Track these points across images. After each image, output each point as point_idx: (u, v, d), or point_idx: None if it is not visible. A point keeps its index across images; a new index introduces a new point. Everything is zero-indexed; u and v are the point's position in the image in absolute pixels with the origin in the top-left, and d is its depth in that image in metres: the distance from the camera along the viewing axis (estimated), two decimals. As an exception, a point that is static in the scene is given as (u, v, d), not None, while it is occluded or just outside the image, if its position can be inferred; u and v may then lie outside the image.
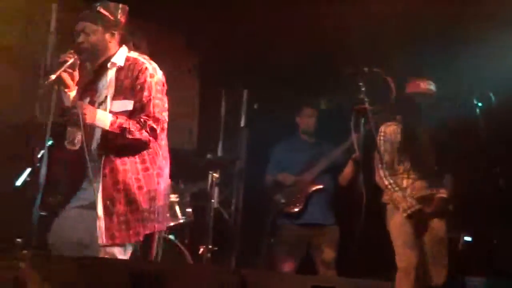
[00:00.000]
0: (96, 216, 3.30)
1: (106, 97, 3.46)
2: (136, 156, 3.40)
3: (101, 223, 3.29)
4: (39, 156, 4.38)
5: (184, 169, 5.65)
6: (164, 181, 3.53)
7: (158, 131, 3.41)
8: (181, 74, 7.62)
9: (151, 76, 3.44)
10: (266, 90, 7.43)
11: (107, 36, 3.48)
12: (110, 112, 3.39)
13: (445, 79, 4.98)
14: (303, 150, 5.74)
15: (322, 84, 6.68)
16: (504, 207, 5.00)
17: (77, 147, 3.50)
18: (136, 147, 3.40)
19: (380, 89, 3.92)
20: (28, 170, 4.72)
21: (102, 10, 3.47)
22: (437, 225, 4.69)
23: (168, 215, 4.09)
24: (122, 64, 3.48)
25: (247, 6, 6.35)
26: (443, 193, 4.70)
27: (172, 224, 5.15)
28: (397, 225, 4.63)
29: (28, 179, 4.68)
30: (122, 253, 3.32)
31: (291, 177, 5.63)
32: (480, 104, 4.66)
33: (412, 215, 4.54)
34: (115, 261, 3.16)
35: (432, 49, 5.84)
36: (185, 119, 7.56)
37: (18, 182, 5.02)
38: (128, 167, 3.37)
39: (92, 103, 3.46)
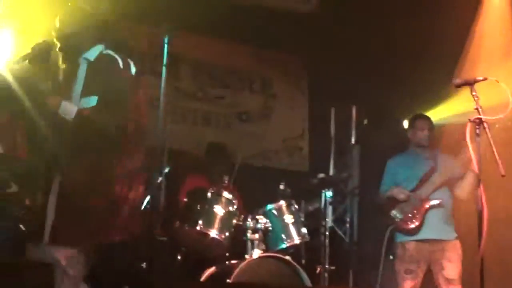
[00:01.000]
0: None
1: None
2: None
3: None
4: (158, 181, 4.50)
5: (297, 190, 5.67)
6: None
7: None
8: (294, 96, 7.72)
9: None
10: (375, 105, 7.36)
11: None
12: None
13: None
14: (417, 165, 5.58)
15: (433, 96, 6.53)
16: None
17: None
18: None
19: (495, 99, 3.76)
20: (148, 197, 4.85)
21: None
22: None
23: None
24: None
25: (356, 24, 6.40)
26: None
27: (288, 245, 5.13)
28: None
29: (148, 206, 4.82)
30: None
31: (406, 192, 5.49)
32: None
33: None
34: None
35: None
36: (296, 140, 7.61)
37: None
38: None
39: None
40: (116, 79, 3.56)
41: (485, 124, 3.62)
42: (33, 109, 3.52)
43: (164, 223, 5.17)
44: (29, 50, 3.54)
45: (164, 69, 4.10)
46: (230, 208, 5.14)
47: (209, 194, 5.13)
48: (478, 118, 3.63)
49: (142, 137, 3.56)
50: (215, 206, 5.08)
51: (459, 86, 3.79)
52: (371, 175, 6.35)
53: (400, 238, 5.53)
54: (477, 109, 3.66)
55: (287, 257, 4.87)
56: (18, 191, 4.73)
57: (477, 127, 3.62)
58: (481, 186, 3.63)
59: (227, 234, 5.05)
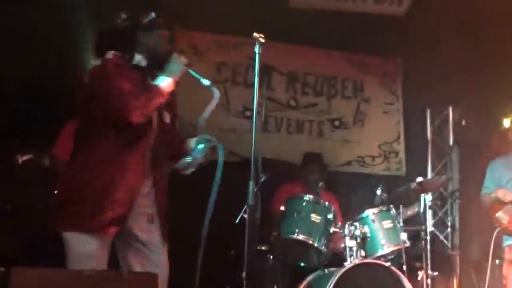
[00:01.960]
0: None
1: None
2: None
3: None
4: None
5: (395, 195, 5.56)
6: None
7: None
8: (388, 100, 7.62)
9: None
10: (472, 105, 7.14)
11: None
12: None
13: None
14: (521, 166, 5.37)
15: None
16: None
17: None
18: None
19: None
20: (245, 207, 4.88)
21: None
22: None
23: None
24: None
25: (450, 23, 6.27)
26: None
27: (388, 251, 5.04)
28: None
29: (245, 215, 4.84)
30: None
31: (511, 193, 5.29)
32: None
33: None
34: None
35: None
36: (392, 145, 7.50)
37: (237, 220, 5.23)
38: None
39: None
40: None
41: None
42: None
43: (262, 233, 5.17)
44: None
45: (256, 78, 4.10)
46: (327, 216, 5.11)
47: (305, 202, 5.12)
48: None
49: None
50: (312, 214, 5.06)
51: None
52: (472, 177, 6.14)
53: (508, 241, 5.34)
54: None
55: (387, 264, 4.80)
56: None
57: None
58: None
59: (325, 241, 5.03)
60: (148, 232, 3.52)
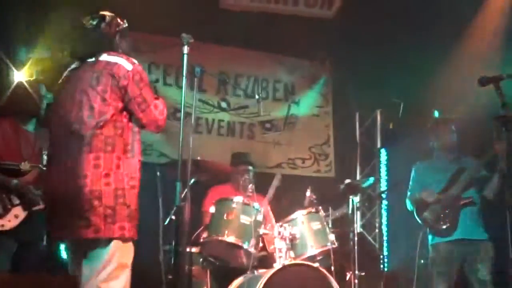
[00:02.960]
0: None
1: None
2: None
3: None
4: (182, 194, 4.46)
5: (324, 197, 5.61)
6: None
7: None
8: (318, 103, 7.69)
9: None
10: (400, 109, 7.29)
11: None
12: None
13: None
14: (443, 168, 5.51)
15: (458, 96, 6.44)
16: None
17: None
18: None
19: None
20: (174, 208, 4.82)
21: None
22: None
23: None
24: None
25: (377, 29, 6.37)
26: None
27: (316, 252, 5.08)
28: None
29: (173, 217, 4.79)
30: None
31: (435, 194, 5.42)
32: None
33: None
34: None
35: None
36: (321, 147, 7.58)
37: (166, 221, 5.16)
38: None
39: None
40: None
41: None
42: None
43: (191, 234, 5.13)
44: None
45: (184, 79, 4.07)
46: (257, 217, 5.10)
47: (235, 204, 5.09)
48: (504, 116, 3.52)
49: None
50: (241, 216, 5.05)
51: (484, 84, 3.69)
52: (399, 179, 6.25)
53: (433, 240, 5.45)
54: (503, 106, 3.55)
55: (316, 264, 4.82)
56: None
57: (503, 125, 3.51)
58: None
59: (254, 243, 5.01)
60: None
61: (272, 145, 7.34)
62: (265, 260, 5.13)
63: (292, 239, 5.03)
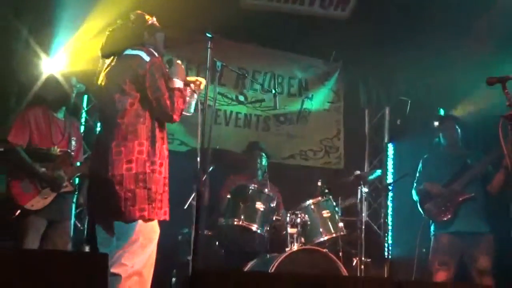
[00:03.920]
0: None
1: None
2: None
3: None
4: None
5: (334, 187, 5.56)
6: None
7: None
8: (330, 99, 7.63)
9: None
10: (408, 106, 7.23)
11: None
12: None
13: None
14: (448, 162, 5.47)
15: (465, 95, 6.35)
16: None
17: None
18: None
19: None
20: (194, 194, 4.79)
21: None
22: None
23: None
24: None
25: (389, 29, 6.29)
26: None
27: (325, 238, 5.03)
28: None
29: (193, 202, 4.75)
30: None
31: (439, 187, 5.36)
32: None
33: None
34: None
35: None
36: (332, 140, 7.52)
37: (185, 206, 5.15)
38: None
39: None
40: None
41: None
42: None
43: (209, 219, 5.10)
44: None
45: (207, 73, 4.03)
46: (271, 204, 5.10)
47: (250, 191, 5.08)
48: (510, 114, 3.43)
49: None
50: (256, 202, 5.04)
51: (492, 83, 3.60)
52: (405, 172, 6.19)
53: (434, 231, 5.41)
54: (509, 105, 3.47)
55: (325, 250, 4.80)
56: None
57: (509, 123, 3.43)
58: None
59: (268, 228, 5.05)
60: None
61: (285, 137, 7.28)
62: (278, 245, 5.08)
63: (303, 226, 5.01)
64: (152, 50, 3.52)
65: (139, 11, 3.71)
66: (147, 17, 3.69)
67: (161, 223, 3.46)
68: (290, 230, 4.96)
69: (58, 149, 4.67)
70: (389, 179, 7.46)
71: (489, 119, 4.95)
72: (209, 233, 5.16)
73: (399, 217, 7.30)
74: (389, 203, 7.47)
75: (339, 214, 5.35)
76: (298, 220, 4.99)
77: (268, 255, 4.98)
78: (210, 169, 4.72)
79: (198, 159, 3.89)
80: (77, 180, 5.08)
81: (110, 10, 3.68)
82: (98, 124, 3.76)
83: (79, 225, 5.84)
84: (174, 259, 5.31)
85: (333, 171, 7.25)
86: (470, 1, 5.53)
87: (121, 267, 3.23)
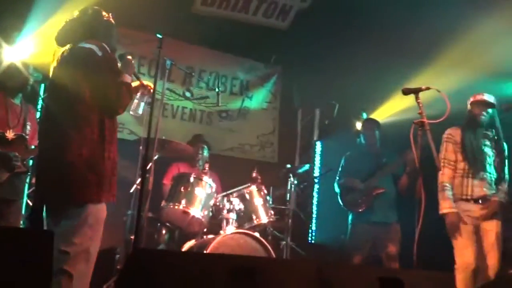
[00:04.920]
0: None
1: None
2: None
3: None
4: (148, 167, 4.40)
5: (267, 178, 5.62)
6: None
7: None
8: (268, 99, 7.70)
9: None
10: (335, 109, 7.39)
11: None
12: None
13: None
14: (367, 160, 5.60)
15: (383, 100, 6.56)
16: None
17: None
18: None
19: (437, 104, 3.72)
20: (139, 179, 4.78)
21: None
22: (492, 224, 4.42)
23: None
24: None
25: (323, 40, 6.39)
26: (499, 197, 4.44)
27: (257, 223, 5.10)
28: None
29: (138, 186, 4.74)
30: None
31: (358, 181, 5.50)
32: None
33: (446, 216, 4.34)
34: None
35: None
36: (268, 136, 7.60)
37: (131, 189, 5.12)
38: None
39: None
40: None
41: (426, 126, 3.57)
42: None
43: (152, 202, 5.08)
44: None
45: (157, 70, 4.02)
46: (209, 191, 5.10)
47: (191, 178, 5.07)
48: (421, 121, 3.58)
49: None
50: (196, 188, 5.03)
51: (406, 93, 3.74)
52: (330, 167, 6.33)
53: (352, 220, 5.55)
54: (420, 113, 3.62)
55: (256, 234, 4.83)
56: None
57: (419, 128, 3.58)
58: (421, 179, 3.59)
59: (206, 213, 5.03)
60: None
61: (226, 132, 7.31)
62: (214, 228, 5.10)
63: (238, 211, 5.03)
64: (105, 46, 3.38)
65: (96, 7, 3.57)
66: (104, 13, 3.56)
67: (108, 205, 3.40)
68: (225, 215, 4.98)
69: (13, 133, 4.54)
70: (316, 173, 7.59)
71: (403, 123, 5.15)
72: (152, 215, 5.13)
73: (323, 207, 7.45)
74: (315, 194, 7.61)
75: (270, 202, 5.40)
76: (234, 206, 5.02)
77: (205, 237, 4.99)
78: (156, 157, 4.71)
79: (144, 147, 3.86)
80: (30, 162, 4.95)
81: (80, 7, 3.54)
82: (45, 109, 3.53)
83: (30, 204, 5.70)
84: (119, 238, 5.27)
85: (267, 164, 7.32)
86: (392, 16, 5.66)
87: (70, 246, 3.12)
